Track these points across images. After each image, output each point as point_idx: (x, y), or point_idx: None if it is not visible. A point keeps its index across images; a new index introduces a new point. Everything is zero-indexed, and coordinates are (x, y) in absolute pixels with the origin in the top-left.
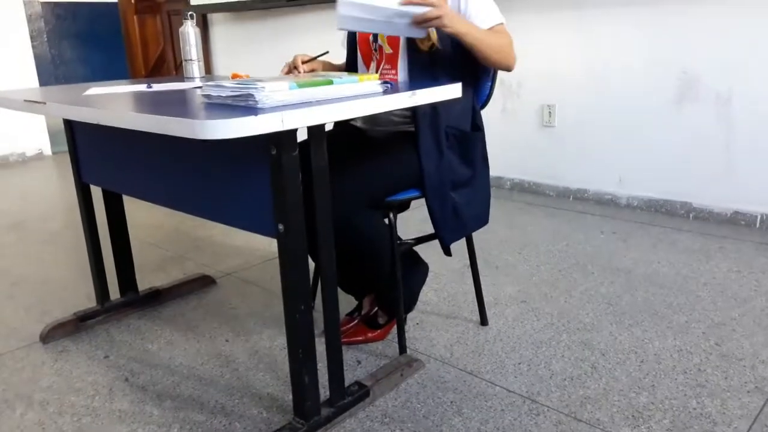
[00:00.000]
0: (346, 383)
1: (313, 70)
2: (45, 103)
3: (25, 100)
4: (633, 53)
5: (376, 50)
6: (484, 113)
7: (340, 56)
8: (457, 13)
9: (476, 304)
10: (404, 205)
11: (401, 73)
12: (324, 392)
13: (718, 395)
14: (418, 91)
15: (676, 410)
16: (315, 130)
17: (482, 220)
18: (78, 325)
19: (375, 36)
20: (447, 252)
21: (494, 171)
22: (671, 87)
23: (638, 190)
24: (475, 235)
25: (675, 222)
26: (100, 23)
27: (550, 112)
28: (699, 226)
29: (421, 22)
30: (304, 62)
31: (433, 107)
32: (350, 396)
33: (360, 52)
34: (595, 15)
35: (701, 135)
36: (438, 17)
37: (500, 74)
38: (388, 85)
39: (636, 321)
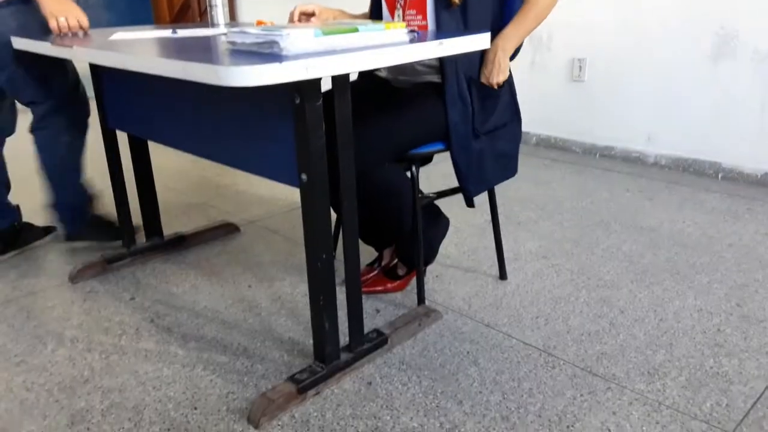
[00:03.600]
0: (366, 331)
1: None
2: (72, 47)
3: (53, 44)
4: (670, 7)
5: None
6: (513, 66)
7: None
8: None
9: (496, 259)
10: (427, 159)
11: (430, 19)
12: (343, 339)
13: (735, 355)
14: (446, 41)
15: (692, 368)
16: (339, 80)
17: (510, 171)
18: (105, 267)
19: None
20: (470, 204)
21: None
22: (707, 43)
23: (667, 148)
24: (498, 190)
25: (703, 182)
26: None
27: (580, 66)
28: (727, 186)
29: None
30: (306, 14)
31: (460, 56)
32: (369, 343)
33: (384, 0)
34: None
35: (736, 93)
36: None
37: None
38: (415, 34)
39: (657, 280)
